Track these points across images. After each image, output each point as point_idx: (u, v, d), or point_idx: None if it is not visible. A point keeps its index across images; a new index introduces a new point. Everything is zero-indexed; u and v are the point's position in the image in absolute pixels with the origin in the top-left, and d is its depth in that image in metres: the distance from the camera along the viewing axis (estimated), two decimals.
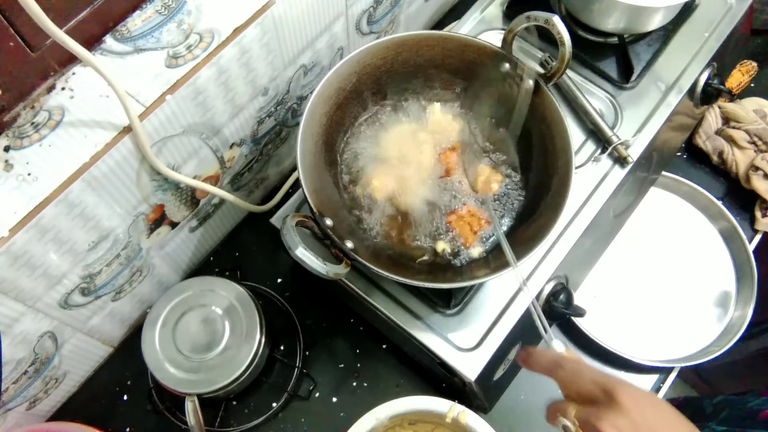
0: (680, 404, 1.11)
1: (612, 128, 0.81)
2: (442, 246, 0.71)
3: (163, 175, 0.69)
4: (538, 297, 0.76)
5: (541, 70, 0.70)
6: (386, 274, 0.61)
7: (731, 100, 1.07)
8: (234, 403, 0.86)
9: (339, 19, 0.82)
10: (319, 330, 0.91)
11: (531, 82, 0.70)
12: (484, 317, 0.74)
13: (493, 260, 0.69)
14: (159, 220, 0.77)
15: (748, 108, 1.04)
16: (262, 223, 0.86)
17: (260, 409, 0.86)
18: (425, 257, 0.71)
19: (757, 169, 0.99)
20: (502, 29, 0.90)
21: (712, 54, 0.88)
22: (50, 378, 0.78)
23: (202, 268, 0.95)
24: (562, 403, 0.49)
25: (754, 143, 1.02)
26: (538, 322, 0.56)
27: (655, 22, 0.81)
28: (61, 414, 0.85)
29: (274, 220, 0.79)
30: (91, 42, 0.64)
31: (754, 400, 0.93)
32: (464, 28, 0.90)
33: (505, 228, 0.72)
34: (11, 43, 0.56)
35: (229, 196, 0.83)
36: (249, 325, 0.79)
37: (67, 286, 0.69)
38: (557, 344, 0.53)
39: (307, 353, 0.89)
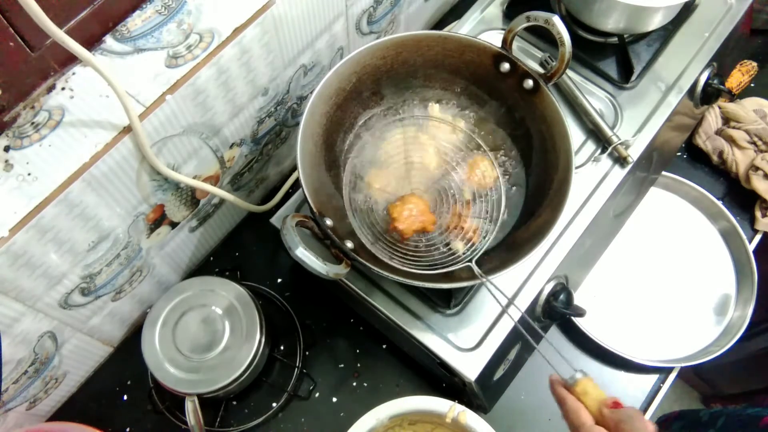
0: (676, 416, 1.10)
1: (612, 128, 0.81)
2: (441, 246, 0.71)
3: (163, 175, 0.69)
4: (537, 297, 0.76)
5: (541, 70, 0.70)
6: (386, 274, 0.61)
7: (731, 100, 1.07)
8: (234, 403, 0.86)
9: (339, 19, 0.82)
10: (319, 330, 0.91)
11: (531, 82, 0.71)
12: (484, 317, 0.74)
13: (493, 261, 0.69)
14: (159, 220, 0.77)
15: (748, 108, 1.04)
16: (262, 223, 0.86)
17: (260, 409, 0.86)
18: (425, 257, 0.70)
19: (757, 169, 0.99)
20: (502, 29, 0.90)
21: (712, 54, 0.88)
22: (50, 378, 0.78)
23: (202, 268, 0.95)
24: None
25: (754, 143, 1.02)
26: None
27: (655, 22, 0.81)
28: (61, 414, 0.85)
29: (274, 220, 0.79)
30: (91, 42, 0.64)
31: (753, 408, 0.93)
32: (464, 28, 0.90)
33: (506, 229, 0.72)
34: (11, 43, 0.56)
35: (229, 196, 0.83)
36: (249, 325, 0.79)
37: (67, 286, 0.69)
38: (579, 374, 0.56)
39: (307, 353, 0.89)
